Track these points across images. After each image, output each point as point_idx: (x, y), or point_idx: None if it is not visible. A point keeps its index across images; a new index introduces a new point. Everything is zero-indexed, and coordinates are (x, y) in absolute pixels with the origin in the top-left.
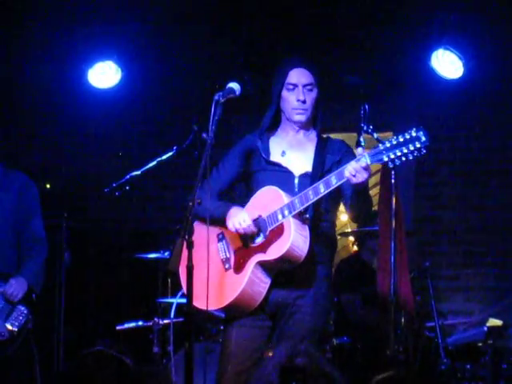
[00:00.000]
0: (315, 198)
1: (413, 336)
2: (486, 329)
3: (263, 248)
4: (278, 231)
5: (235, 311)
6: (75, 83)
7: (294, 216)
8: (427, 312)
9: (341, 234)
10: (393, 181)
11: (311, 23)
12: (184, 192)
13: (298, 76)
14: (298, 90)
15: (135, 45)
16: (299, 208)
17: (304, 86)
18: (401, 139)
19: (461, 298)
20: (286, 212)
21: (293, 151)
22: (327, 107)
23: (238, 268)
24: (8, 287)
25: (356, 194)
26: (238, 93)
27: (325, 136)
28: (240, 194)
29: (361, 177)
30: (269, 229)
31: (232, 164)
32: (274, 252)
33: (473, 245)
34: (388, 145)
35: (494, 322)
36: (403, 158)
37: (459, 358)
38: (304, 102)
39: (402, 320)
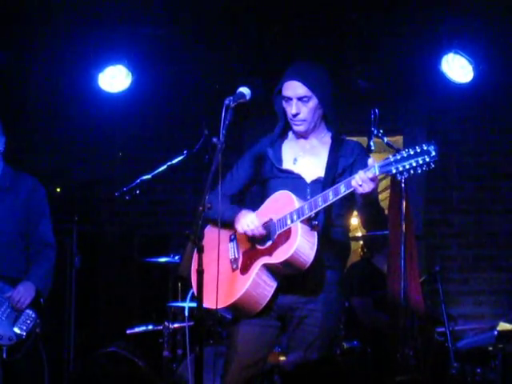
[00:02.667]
0: (324, 205)
1: (423, 340)
2: (496, 333)
3: (270, 251)
4: (286, 235)
5: (240, 312)
6: (86, 87)
7: (302, 222)
8: (437, 316)
9: (351, 239)
10: (403, 185)
11: (322, 28)
12: (194, 196)
13: (290, 89)
14: (291, 103)
15: (145, 49)
16: (308, 214)
17: (298, 98)
18: (411, 152)
19: (471, 301)
20: (295, 217)
21: (305, 156)
22: (339, 110)
23: (245, 269)
24: (15, 294)
25: (364, 204)
26: (248, 97)
27: (340, 137)
28: (252, 199)
29: (367, 187)
30: (277, 232)
31: (245, 169)
32: (279, 255)
33: (483, 249)
34: (398, 157)
35: (505, 326)
36: (411, 171)
37: (469, 362)
38: (297, 114)
39: (413, 324)
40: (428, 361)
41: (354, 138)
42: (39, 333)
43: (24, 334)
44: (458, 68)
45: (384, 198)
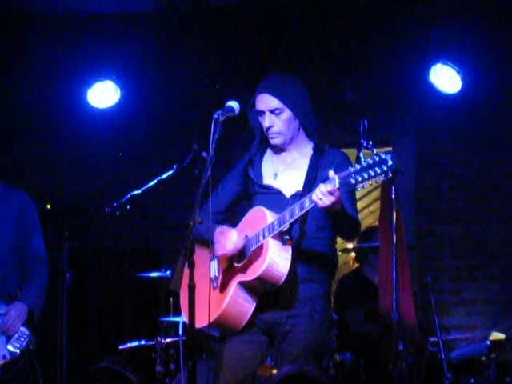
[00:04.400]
0: (292, 219)
1: (416, 351)
2: (488, 343)
3: (245, 268)
4: (258, 252)
5: (223, 329)
6: (75, 103)
7: (274, 237)
8: (430, 327)
9: (342, 251)
10: (393, 196)
11: (310, 40)
12: (184, 210)
13: (262, 102)
14: (264, 116)
15: (134, 64)
16: (278, 229)
17: (270, 111)
18: (370, 161)
19: (463, 312)
20: (266, 233)
21: (286, 170)
22: (319, 119)
23: (223, 287)
24: (7, 318)
25: (329, 217)
26: (237, 111)
27: (322, 147)
28: (240, 214)
29: (327, 200)
30: (251, 249)
31: (230, 186)
32: (252, 272)
33: (474, 259)
34: (358, 167)
35: (497, 335)
36: (370, 182)
37: (463, 373)
38: (269, 127)
39: (405, 335)
40: (421, 372)
41: (344, 150)
42: (33, 350)
43: (18, 351)
44: (446, 78)
45: (375, 209)
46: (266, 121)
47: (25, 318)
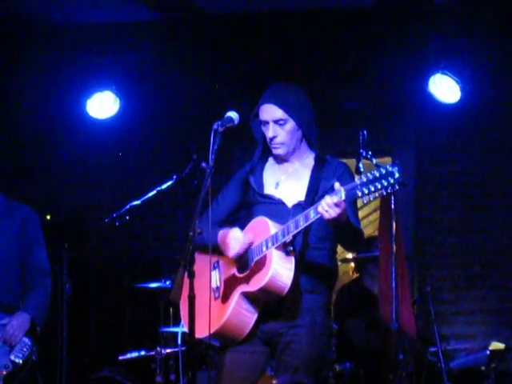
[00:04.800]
0: (296, 231)
1: (416, 361)
2: (488, 352)
3: (248, 279)
4: (262, 262)
5: (224, 340)
6: (74, 114)
7: (277, 248)
8: (429, 336)
9: (342, 260)
10: (392, 206)
11: (309, 50)
12: (184, 221)
13: (266, 112)
14: (268, 127)
15: (133, 75)
16: (281, 240)
17: (274, 121)
18: (376, 174)
19: (462, 321)
20: (270, 244)
21: (288, 180)
22: (322, 129)
23: (225, 297)
24: (9, 328)
25: (333, 228)
26: (236, 121)
27: (324, 158)
28: (240, 223)
29: (333, 212)
30: (254, 260)
31: (230, 195)
32: (255, 283)
33: (474, 268)
34: (364, 179)
35: (497, 345)
36: (376, 194)
37: (462, 382)
38: (273, 138)
39: (405, 345)
40: (421, 381)
41: (343, 160)
42: (35, 360)
43: (20, 361)
44: (445, 88)
45: (374, 219)
46: (270, 131)
47: (27, 328)
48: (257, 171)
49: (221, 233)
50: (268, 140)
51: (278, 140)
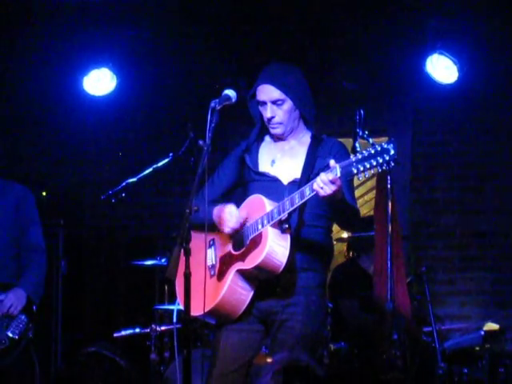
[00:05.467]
0: (292, 208)
1: (410, 341)
2: (482, 333)
3: (243, 256)
4: (257, 240)
5: (219, 318)
6: (71, 91)
7: (273, 225)
8: (424, 317)
9: (337, 240)
10: (389, 186)
11: (306, 29)
12: (180, 199)
13: (264, 93)
14: (266, 107)
15: (130, 52)
16: (277, 217)
17: (272, 102)
18: (372, 151)
19: (457, 302)
20: (265, 221)
21: (284, 158)
22: (319, 108)
23: (221, 275)
24: (7, 301)
25: (329, 206)
26: (233, 100)
27: (320, 137)
28: (237, 199)
29: (328, 189)
30: (250, 237)
31: (225, 173)
32: (251, 261)
33: (469, 249)
34: (360, 157)
35: (491, 326)
36: (372, 171)
37: (456, 363)
38: (272, 118)
39: (399, 325)
40: (415, 361)
41: (340, 139)
42: (31, 337)
43: (16, 337)
44: (442, 69)
45: (370, 198)
46: (268, 111)
47: (24, 303)
48: (253, 150)
49: (216, 208)
50: (266, 120)
51: (276, 120)
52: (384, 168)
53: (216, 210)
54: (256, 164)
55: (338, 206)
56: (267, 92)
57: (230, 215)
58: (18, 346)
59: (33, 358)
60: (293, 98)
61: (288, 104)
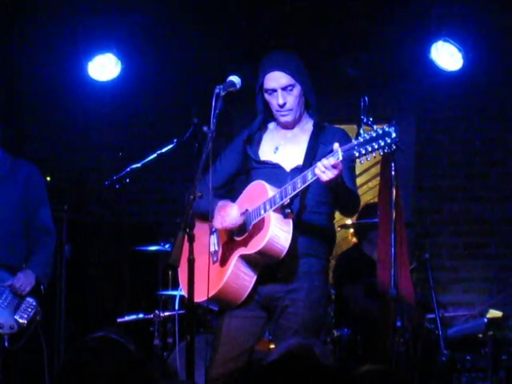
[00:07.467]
0: (294, 193)
1: (413, 327)
2: (486, 320)
3: (246, 242)
4: (260, 225)
5: (222, 304)
6: (75, 76)
7: (275, 210)
8: (427, 303)
9: (341, 226)
10: (393, 172)
11: (311, 15)
12: (184, 184)
13: (273, 80)
14: (276, 94)
15: (135, 37)
16: (279, 202)
17: (283, 88)
18: (373, 134)
19: (461, 289)
20: (268, 206)
21: (287, 145)
22: (320, 95)
23: (223, 261)
24: (16, 281)
25: (330, 191)
26: (238, 86)
27: (322, 124)
28: (239, 186)
29: (330, 174)
30: (252, 223)
31: (228, 161)
32: (253, 246)
33: (473, 236)
34: (361, 140)
35: (494, 313)
36: (373, 154)
37: (459, 349)
38: (284, 105)
39: (403, 311)
40: (418, 348)
41: (344, 126)
42: (40, 321)
43: (25, 322)
44: (447, 56)
45: (374, 185)
46: (280, 98)
47: (33, 283)
48: (254, 139)
49: (221, 203)
50: (276, 108)
51: (287, 106)
52: (386, 151)
53: (220, 204)
54: (257, 153)
55: (338, 192)
56: (277, 78)
57: (228, 216)
58: (27, 331)
59: (41, 341)
60: (301, 82)
61: (297, 89)
